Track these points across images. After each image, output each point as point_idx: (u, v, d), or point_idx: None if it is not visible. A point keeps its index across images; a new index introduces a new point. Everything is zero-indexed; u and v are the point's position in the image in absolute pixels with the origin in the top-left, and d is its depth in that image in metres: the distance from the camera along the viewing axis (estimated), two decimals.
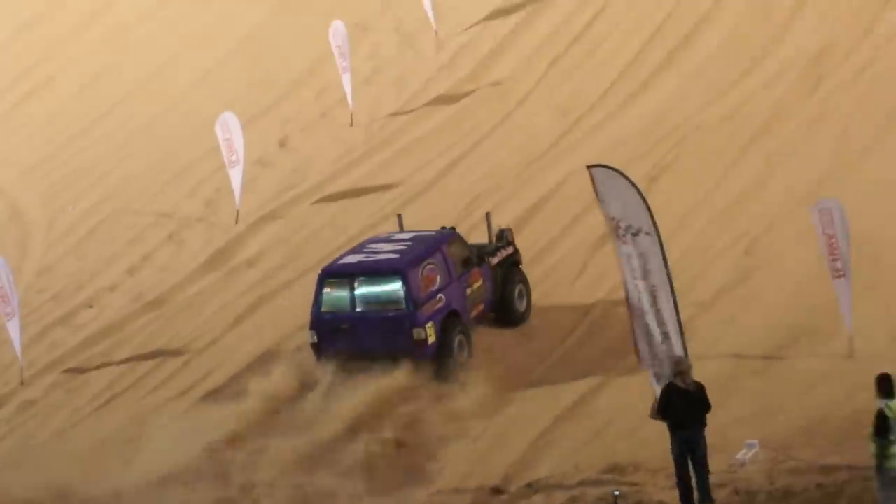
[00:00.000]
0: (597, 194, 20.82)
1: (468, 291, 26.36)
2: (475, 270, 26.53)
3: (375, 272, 25.58)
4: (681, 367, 19.79)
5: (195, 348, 27.36)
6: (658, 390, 20.42)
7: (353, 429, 23.80)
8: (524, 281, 27.26)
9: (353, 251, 26.80)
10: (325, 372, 24.74)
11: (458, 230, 26.97)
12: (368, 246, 26.81)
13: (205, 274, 29.58)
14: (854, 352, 22.94)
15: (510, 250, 27.42)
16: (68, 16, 41.40)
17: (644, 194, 20.52)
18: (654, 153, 30.17)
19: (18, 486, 23.24)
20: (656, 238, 20.30)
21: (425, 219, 28.62)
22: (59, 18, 41.41)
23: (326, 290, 25.68)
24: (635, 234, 20.49)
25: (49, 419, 26.06)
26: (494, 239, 27.40)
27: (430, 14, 35.30)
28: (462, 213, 29.15)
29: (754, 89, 31.52)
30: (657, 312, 20.47)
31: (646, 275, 20.41)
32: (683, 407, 19.52)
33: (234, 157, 30.75)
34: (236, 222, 30.83)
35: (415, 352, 24.81)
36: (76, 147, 35.87)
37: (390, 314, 24.98)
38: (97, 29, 40.69)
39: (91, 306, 29.62)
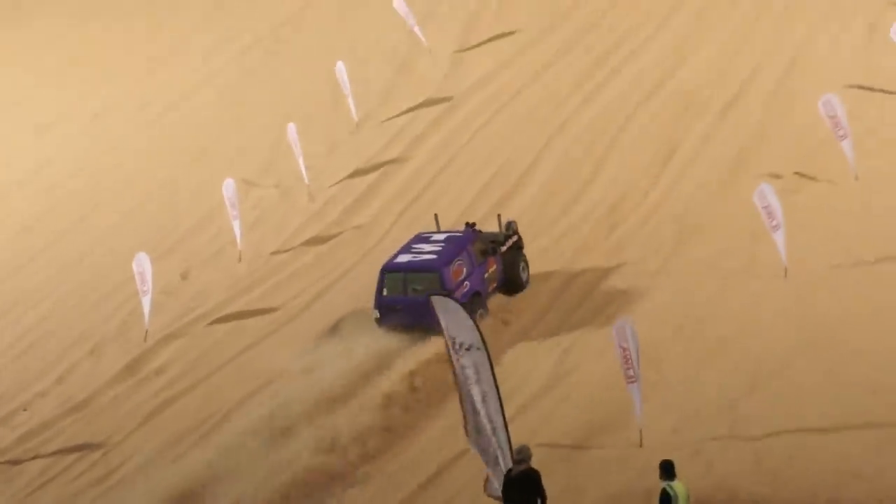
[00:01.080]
0: (437, 318, 21.19)
1: (486, 275, 28.92)
2: (490, 259, 29.10)
3: (420, 269, 28.28)
4: (522, 455, 19.62)
5: (113, 442, 27.00)
6: (489, 471, 20.63)
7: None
8: (525, 261, 29.72)
9: (403, 250, 29.16)
10: None
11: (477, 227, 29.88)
12: (415, 246, 29.19)
13: (120, 381, 29.17)
14: (643, 441, 23.05)
15: (515, 238, 29.82)
16: (12, 173, 41.26)
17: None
18: None
19: None
20: (485, 352, 20.52)
21: (300, 337, 28.94)
22: (3, 177, 41.31)
23: (386, 281, 28.33)
24: (468, 349, 20.70)
25: None
26: (504, 230, 29.88)
27: (304, 173, 35.31)
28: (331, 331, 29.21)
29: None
30: (487, 410, 20.56)
31: (478, 381, 20.55)
32: (519, 492, 19.54)
33: (145, 287, 30.57)
34: (145, 340, 30.52)
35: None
36: (17, 278, 35.44)
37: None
38: (37, 183, 40.38)
39: (26, 409, 29.11)
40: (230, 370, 28.69)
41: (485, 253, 29.04)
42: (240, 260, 33.13)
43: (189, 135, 40.44)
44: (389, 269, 28.49)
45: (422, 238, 29.54)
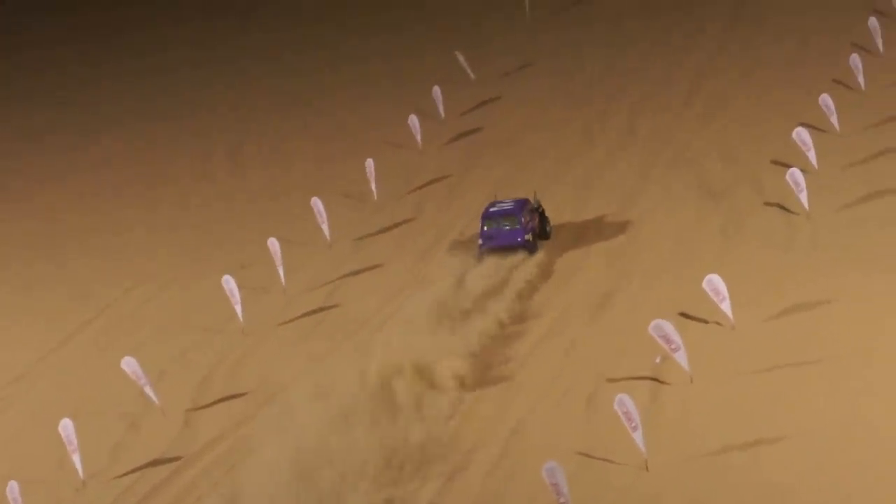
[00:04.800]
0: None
1: (533, 223, 45.12)
2: (534, 215, 45.42)
3: (507, 214, 44.75)
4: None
5: None
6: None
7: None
8: (548, 220, 46.10)
9: (492, 205, 45.44)
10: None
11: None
12: (497, 204, 45.47)
13: None
14: None
15: (541, 206, 45.96)
16: None
17: None
18: None
19: None
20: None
21: None
22: None
23: (487, 221, 44.65)
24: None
25: None
26: (536, 201, 45.97)
27: None
28: None
29: None
30: None
31: None
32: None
33: None
34: None
35: (524, 246, 44.50)
36: None
37: (515, 230, 44.40)
38: None
39: None
40: None
41: (531, 212, 45.16)
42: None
43: None
44: (487, 216, 44.82)
45: (498, 202, 45.68)
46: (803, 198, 43.44)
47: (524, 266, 44.43)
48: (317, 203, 48.99)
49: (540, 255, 45.14)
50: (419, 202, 52.53)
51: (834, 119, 48.75)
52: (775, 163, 47.73)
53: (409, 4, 78.97)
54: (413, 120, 56.61)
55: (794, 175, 43.37)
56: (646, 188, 49.54)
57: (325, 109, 65.31)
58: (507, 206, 45.14)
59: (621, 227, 46.68)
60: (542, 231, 45.79)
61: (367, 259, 48.20)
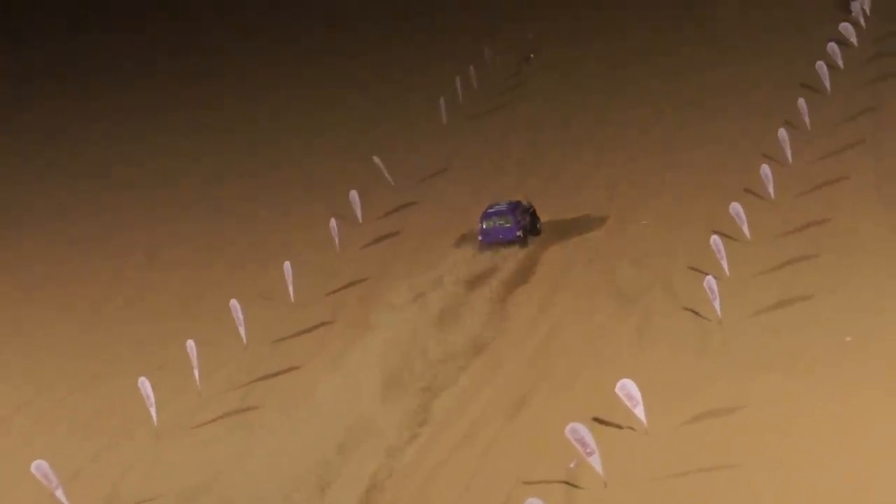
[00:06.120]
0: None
1: (525, 221, 53.00)
2: (525, 214, 53.26)
3: (503, 213, 52.84)
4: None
5: None
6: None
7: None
8: (538, 219, 54.00)
9: (490, 207, 53.39)
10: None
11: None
12: (494, 206, 53.34)
13: None
14: None
15: (533, 207, 53.89)
16: None
17: None
18: None
19: None
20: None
21: None
22: None
23: (485, 220, 52.69)
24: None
25: None
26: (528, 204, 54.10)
27: None
28: None
29: None
30: None
31: None
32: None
33: None
34: None
35: (517, 241, 52.60)
36: None
37: (508, 226, 52.57)
38: None
39: None
40: None
41: (524, 211, 52.91)
42: None
43: None
44: (486, 215, 52.78)
45: (496, 204, 53.47)
46: (716, 304, 43.81)
47: (444, 367, 44.41)
48: (234, 305, 48.84)
49: (457, 358, 44.98)
50: (337, 304, 52.27)
51: (745, 227, 49.32)
52: (689, 268, 48.16)
53: (326, 106, 79.37)
54: (333, 223, 56.81)
55: (709, 282, 43.82)
56: (560, 292, 49.84)
57: (246, 212, 65.58)
58: (503, 207, 52.89)
59: (536, 331, 46.82)
60: (534, 227, 53.31)
61: (284, 361, 47.95)
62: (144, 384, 44.21)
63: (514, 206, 53.06)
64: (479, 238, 52.57)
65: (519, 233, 52.36)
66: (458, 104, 73.71)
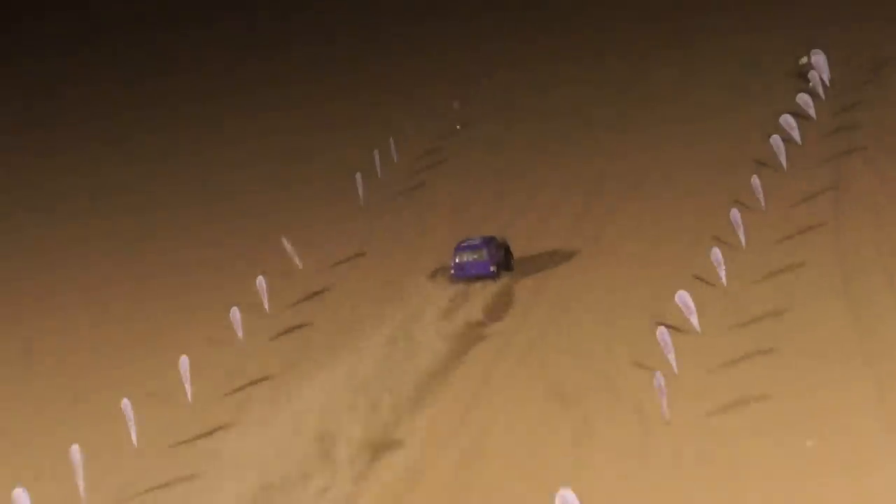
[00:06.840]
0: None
1: (500, 257, 54.64)
2: (499, 250, 54.87)
3: (476, 247, 54.35)
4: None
5: None
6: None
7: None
8: (512, 255, 55.46)
9: (463, 241, 54.86)
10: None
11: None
12: (467, 240, 54.93)
13: None
14: None
15: (507, 243, 55.72)
16: None
17: None
18: None
19: None
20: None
21: None
22: None
23: (458, 254, 54.11)
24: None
25: None
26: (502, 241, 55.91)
27: None
28: None
29: None
30: None
31: None
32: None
33: None
34: None
35: (490, 276, 53.93)
36: None
37: (482, 262, 53.89)
38: None
39: None
40: None
41: (498, 247, 54.81)
42: None
43: None
44: (460, 249, 54.21)
45: (469, 239, 54.98)
46: (664, 404, 40.90)
47: (365, 480, 41.30)
48: (126, 405, 46.05)
49: (381, 473, 41.66)
50: (239, 405, 48.59)
51: (694, 318, 46.83)
52: (632, 363, 45.49)
53: (237, 190, 75.80)
54: (234, 313, 53.84)
55: (658, 379, 41.05)
56: (490, 392, 46.44)
57: (138, 297, 62.38)
58: (476, 241, 54.58)
59: (465, 435, 43.62)
60: (507, 263, 54.98)
61: (180, 468, 44.35)
62: (20, 496, 40.95)
63: (488, 241, 54.81)
64: (452, 272, 54.10)
65: (493, 268, 53.91)
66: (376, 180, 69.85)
